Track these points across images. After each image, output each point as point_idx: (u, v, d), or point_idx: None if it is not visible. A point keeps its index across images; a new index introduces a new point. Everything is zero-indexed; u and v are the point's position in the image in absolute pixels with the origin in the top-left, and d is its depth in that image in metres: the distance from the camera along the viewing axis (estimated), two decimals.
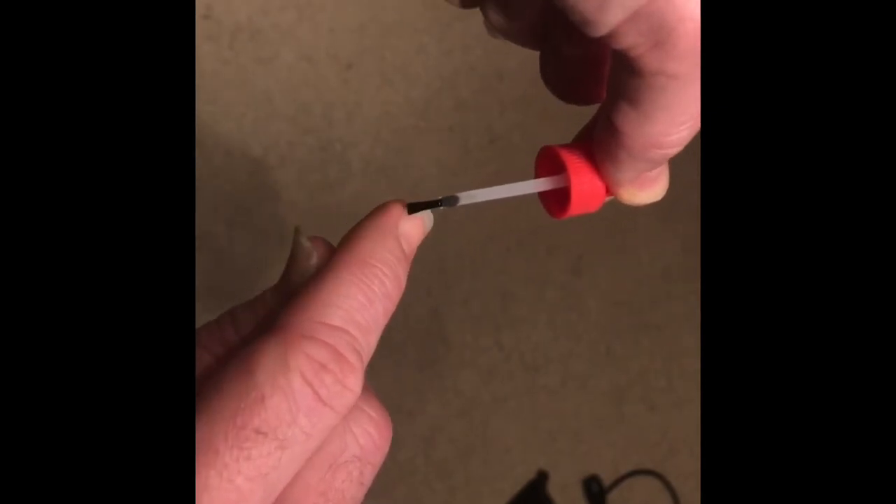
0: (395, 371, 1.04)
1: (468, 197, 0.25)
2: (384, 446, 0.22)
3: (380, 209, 0.24)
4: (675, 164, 0.27)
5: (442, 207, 0.25)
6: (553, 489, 1.08)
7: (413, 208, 0.24)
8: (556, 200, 0.27)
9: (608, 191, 0.26)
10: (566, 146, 0.27)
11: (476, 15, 0.25)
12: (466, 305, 1.07)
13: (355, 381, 0.20)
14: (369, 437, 0.21)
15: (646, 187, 0.25)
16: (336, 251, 0.23)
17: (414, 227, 0.24)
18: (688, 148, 0.25)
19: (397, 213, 0.24)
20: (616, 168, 0.24)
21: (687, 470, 1.12)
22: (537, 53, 0.27)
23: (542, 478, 1.07)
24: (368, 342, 0.22)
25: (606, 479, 1.10)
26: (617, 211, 1.26)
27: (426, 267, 1.05)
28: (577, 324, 1.11)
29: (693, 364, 1.14)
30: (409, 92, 1.06)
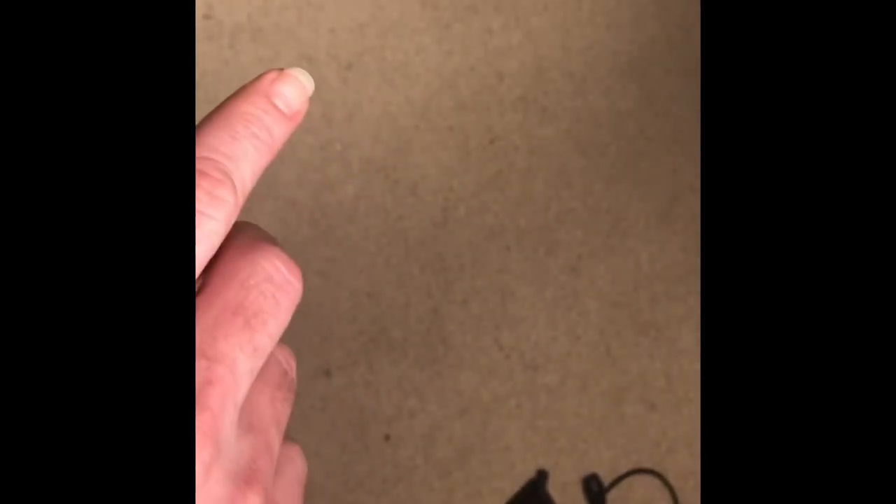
0: (395, 371, 1.04)
1: None
2: (295, 283, 0.23)
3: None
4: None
5: None
6: (553, 488, 1.08)
7: None
8: None
9: None
10: None
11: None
12: (466, 305, 1.07)
13: (225, 192, 0.22)
14: (277, 269, 0.23)
15: None
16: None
17: (289, 87, 0.26)
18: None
19: (268, 78, 0.25)
20: None
21: (686, 469, 1.13)
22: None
23: (541, 477, 1.07)
24: (239, 168, 0.23)
25: (606, 478, 1.10)
26: (617, 211, 1.26)
27: (426, 267, 1.05)
28: (577, 323, 1.11)
29: (693, 364, 1.14)
30: (409, 92, 1.06)
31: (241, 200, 0.23)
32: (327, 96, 1.02)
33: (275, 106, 0.25)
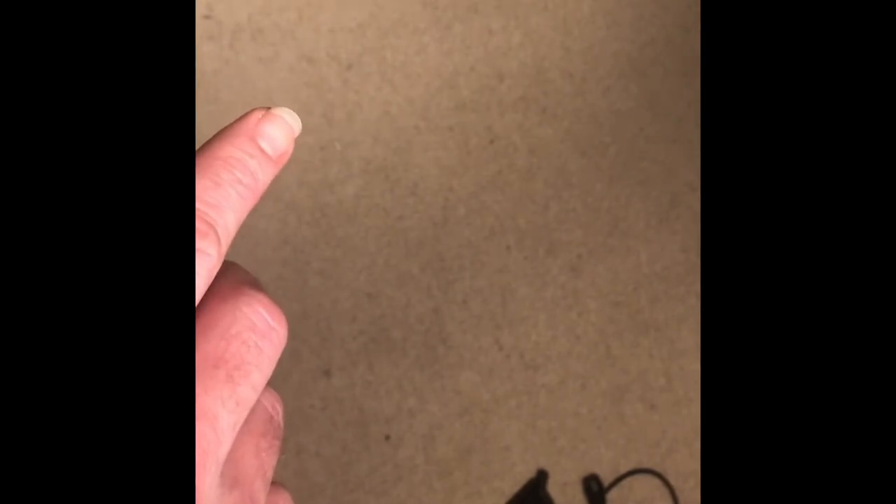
0: (395, 371, 1.04)
1: None
2: (280, 330, 0.23)
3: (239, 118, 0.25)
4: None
5: None
6: (552, 488, 1.08)
7: None
8: None
9: None
10: None
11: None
12: (466, 305, 1.07)
13: (207, 244, 0.21)
14: (260, 316, 0.22)
15: None
16: None
17: (275, 128, 0.24)
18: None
19: (254, 118, 0.24)
20: None
21: (686, 469, 1.13)
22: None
23: (541, 477, 1.07)
24: (222, 217, 0.22)
25: (606, 478, 1.10)
26: (617, 211, 1.26)
27: (426, 267, 1.05)
28: (577, 323, 1.11)
29: (693, 364, 1.14)
30: (409, 92, 1.06)
31: (223, 250, 0.22)
32: (327, 96, 1.02)
33: (260, 148, 0.24)
